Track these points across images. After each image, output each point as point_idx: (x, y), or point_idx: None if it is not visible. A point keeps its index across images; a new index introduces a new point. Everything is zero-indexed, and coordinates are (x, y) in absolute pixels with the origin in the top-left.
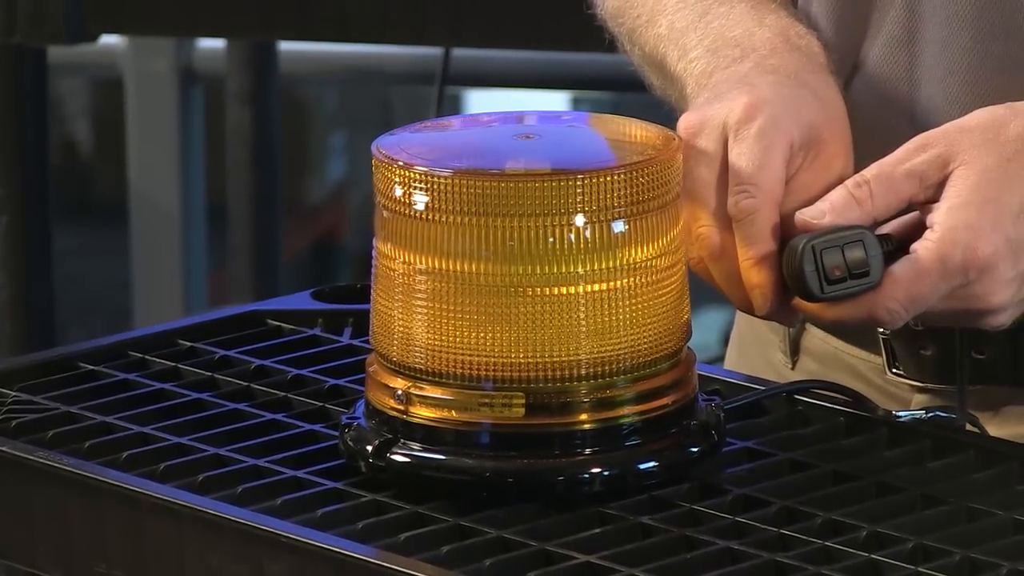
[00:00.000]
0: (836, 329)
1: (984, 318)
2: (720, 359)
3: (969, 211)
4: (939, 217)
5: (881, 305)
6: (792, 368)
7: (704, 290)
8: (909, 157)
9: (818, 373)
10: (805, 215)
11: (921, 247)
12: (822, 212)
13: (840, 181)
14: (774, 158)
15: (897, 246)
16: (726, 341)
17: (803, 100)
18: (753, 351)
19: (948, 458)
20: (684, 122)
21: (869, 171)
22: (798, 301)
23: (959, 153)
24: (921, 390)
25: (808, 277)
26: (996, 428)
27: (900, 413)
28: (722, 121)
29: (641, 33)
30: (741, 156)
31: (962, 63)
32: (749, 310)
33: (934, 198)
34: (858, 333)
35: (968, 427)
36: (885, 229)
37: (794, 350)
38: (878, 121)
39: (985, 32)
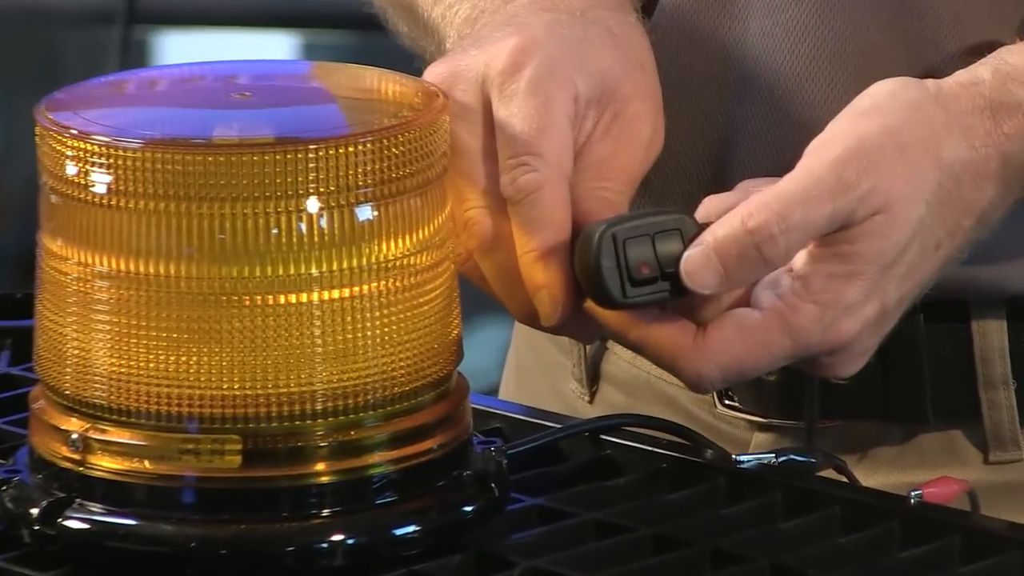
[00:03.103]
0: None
1: (825, 376)
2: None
3: (854, 282)
4: (815, 282)
5: (692, 364)
6: (590, 401)
7: (481, 297)
8: (832, 193)
9: (625, 407)
10: (692, 274)
11: (773, 309)
12: (711, 272)
13: (648, 151)
14: (555, 117)
15: None
16: None
17: (591, 43)
18: (536, 379)
19: (806, 516)
20: (430, 76)
21: (779, 208)
22: (594, 308)
23: (891, 203)
24: (763, 427)
25: (606, 275)
26: (863, 476)
27: (742, 457)
28: (480, 72)
29: None
30: (512, 118)
31: None
32: (532, 321)
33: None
34: None
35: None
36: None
37: (592, 377)
38: (689, 68)
39: None
